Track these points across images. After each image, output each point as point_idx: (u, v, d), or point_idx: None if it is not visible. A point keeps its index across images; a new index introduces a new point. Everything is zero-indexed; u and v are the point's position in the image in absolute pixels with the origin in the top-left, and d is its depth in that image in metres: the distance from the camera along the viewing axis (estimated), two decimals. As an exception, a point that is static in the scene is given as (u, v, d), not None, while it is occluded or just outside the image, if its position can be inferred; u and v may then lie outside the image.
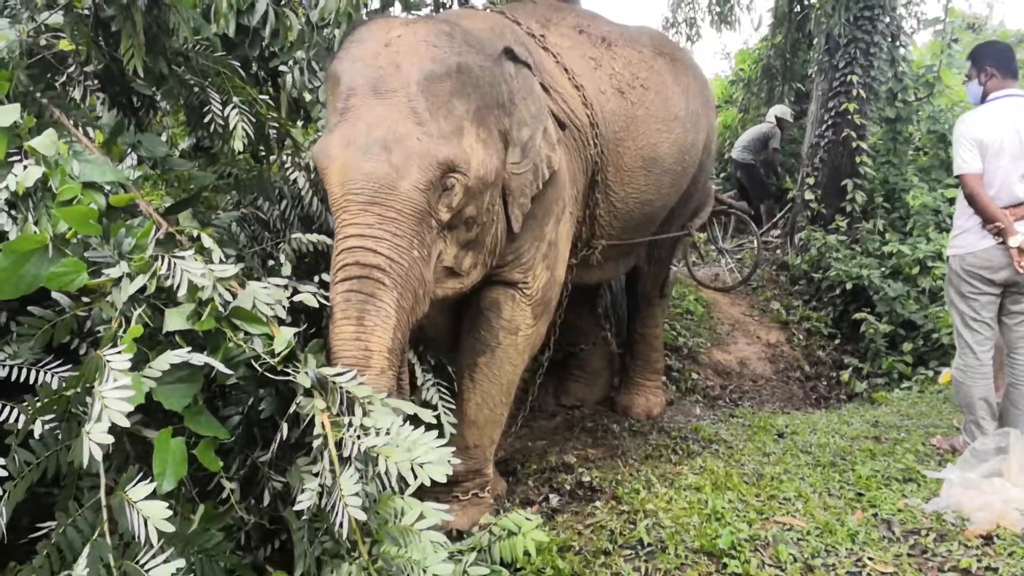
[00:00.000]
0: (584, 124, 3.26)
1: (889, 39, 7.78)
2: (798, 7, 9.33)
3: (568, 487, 3.37)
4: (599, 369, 4.99)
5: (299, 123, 3.55)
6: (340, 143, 2.40)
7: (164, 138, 3.71)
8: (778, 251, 8.51)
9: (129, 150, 3.11)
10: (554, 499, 3.27)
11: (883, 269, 6.80)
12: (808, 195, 7.91)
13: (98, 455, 1.73)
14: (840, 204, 7.74)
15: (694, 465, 3.54)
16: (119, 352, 1.90)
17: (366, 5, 3.30)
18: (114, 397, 1.80)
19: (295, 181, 3.23)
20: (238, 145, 2.78)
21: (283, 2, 3.03)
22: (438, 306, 3.44)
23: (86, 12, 2.62)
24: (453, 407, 2.93)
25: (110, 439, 1.74)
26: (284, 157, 3.33)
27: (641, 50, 3.76)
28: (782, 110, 9.28)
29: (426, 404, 2.87)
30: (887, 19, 7.65)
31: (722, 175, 10.35)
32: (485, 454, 3.13)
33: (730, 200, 7.98)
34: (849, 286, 6.79)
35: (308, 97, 3.55)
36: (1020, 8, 24.59)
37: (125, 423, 1.78)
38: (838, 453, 3.72)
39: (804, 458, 3.66)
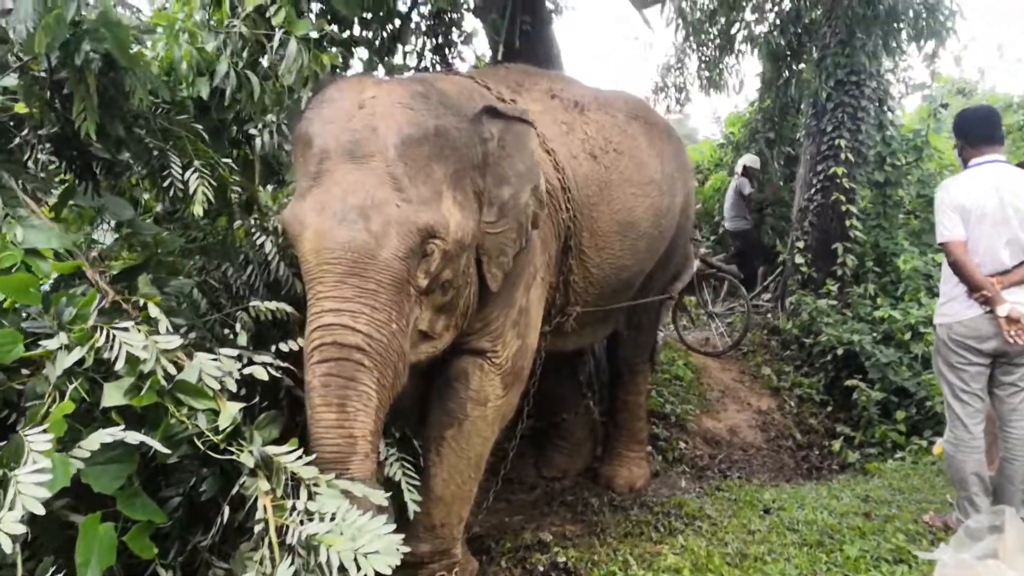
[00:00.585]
0: (555, 188, 3.19)
1: (876, 103, 7.81)
2: (786, 72, 9.41)
3: (542, 568, 3.21)
4: (581, 439, 4.84)
5: (269, 187, 3.47)
6: (314, 209, 2.31)
7: (141, 202, 3.63)
8: (769, 315, 8.41)
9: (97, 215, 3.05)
10: (525, 581, 3.10)
11: (875, 334, 6.68)
12: (798, 259, 7.84)
13: (8, 547, 1.59)
14: (831, 268, 7.66)
15: (675, 544, 3.38)
16: (42, 431, 1.78)
17: (337, 67, 3.26)
18: (30, 482, 1.68)
19: (262, 246, 3.14)
20: (198, 210, 2.69)
21: (243, 66, 2.96)
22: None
23: (42, 74, 2.56)
24: (419, 484, 2.79)
25: (22, 528, 1.61)
26: (252, 221, 3.26)
27: (615, 114, 3.72)
28: (750, 159, 9.39)
29: (389, 481, 2.75)
30: (874, 84, 7.68)
31: (712, 238, 10.31)
32: (453, 533, 2.98)
33: (720, 263, 7.92)
34: (840, 351, 6.66)
35: (284, 159, 3.50)
36: (1013, 72, 24.93)
37: (39, 510, 1.65)
38: (826, 531, 3.56)
39: (790, 536, 3.49)
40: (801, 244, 7.90)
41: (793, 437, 6.12)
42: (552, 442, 4.79)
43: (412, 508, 2.70)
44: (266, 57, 2.91)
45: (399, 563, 1.89)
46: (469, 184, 2.59)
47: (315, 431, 2.20)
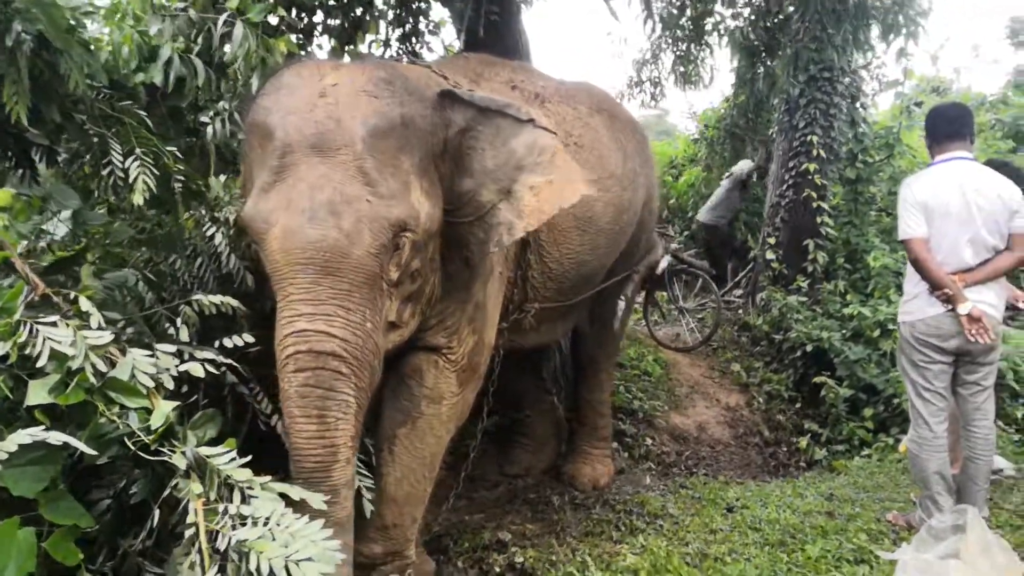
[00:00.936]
0: None
1: (849, 100, 7.79)
2: (761, 68, 9.38)
3: (498, 569, 3.14)
4: (545, 436, 4.77)
5: (221, 177, 3.36)
6: (279, 206, 2.21)
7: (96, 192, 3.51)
8: (740, 311, 8.39)
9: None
10: (480, 583, 3.03)
11: (844, 331, 6.66)
12: (770, 254, 7.82)
13: (-91, 555, 1.49)
14: (802, 264, 7.64)
15: (635, 544, 3.33)
16: (-52, 433, 1.68)
17: (295, 55, 3.15)
18: (-65, 486, 1.59)
19: (211, 237, 3.04)
20: (138, 199, 2.58)
21: (198, 52, 2.86)
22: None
23: (-27, 57, 2.44)
24: (371, 482, 2.71)
25: (-76, 536, 1.51)
26: (201, 212, 3.15)
27: (577, 107, 3.65)
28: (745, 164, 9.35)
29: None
30: (846, 80, 7.66)
31: (685, 233, 10.28)
32: (406, 534, 2.90)
33: (691, 259, 7.86)
34: (810, 348, 6.64)
35: (237, 148, 3.40)
36: (988, 72, 25.14)
37: (-55, 516, 1.56)
38: (788, 530, 3.52)
39: (752, 536, 3.45)
40: (772, 240, 7.88)
41: (761, 434, 6.10)
42: (515, 439, 4.73)
43: (368, 508, 2.63)
44: (213, 40, 2.79)
45: (332, 571, 1.82)
46: (433, 172, 2.53)
47: (296, 442, 2.17)
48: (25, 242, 3.23)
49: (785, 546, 3.35)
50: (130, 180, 2.60)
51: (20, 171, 2.72)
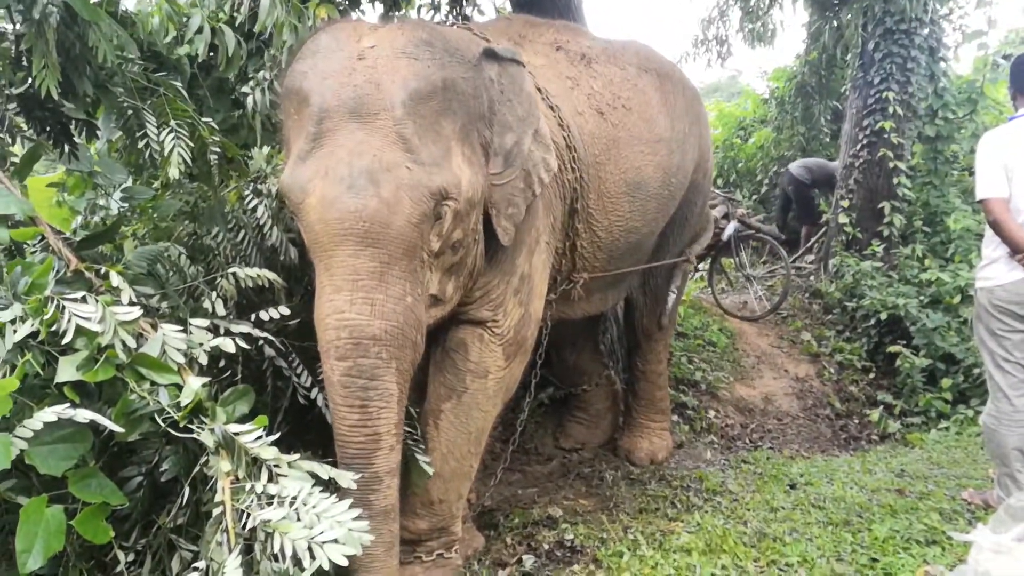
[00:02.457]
0: (560, 147, 2.98)
1: (927, 53, 7.35)
2: (835, 22, 8.93)
3: (547, 546, 3.06)
4: (602, 411, 4.65)
5: (264, 149, 3.32)
6: (316, 174, 2.14)
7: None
8: (811, 278, 8.07)
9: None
10: (528, 561, 2.95)
11: (921, 298, 6.34)
12: (842, 218, 7.49)
13: (-71, 535, 1.48)
14: (877, 228, 7.32)
15: (690, 522, 3.20)
16: (-25, 410, 1.67)
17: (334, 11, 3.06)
18: (-40, 464, 1.58)
19: (254, 210, 3.01)
20: (173, 172, 2.54)
21: (221, 17, 2.80)
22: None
23: (7, 29, 2.44)
24: (423, 449, 2.66)
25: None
26: (244, 184, 3.13)
27: (625, 67, 3.48)
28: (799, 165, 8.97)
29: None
30: (925, 32, 7.24)
31: (753, 197, 9.94)
32: (451, 510, 2.84)
33: (759, 224, 7.59)
34: (884, 316, 6.33)
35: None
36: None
37: (-35, 494, 1.54)
38: (854, 509, 3.34)
39: (815, 514, 3.28)
40: (845, 203, 7.53)
41: (832, 405, 5.85)
42: (571, 413, 4.63)
43: (428, 469, 2.61)
44: (241, 10, 2.72)
45: (357, 552, 1.76)
46: (476, 137, 2.43)
47: (339, 428, 2.17)
48: (80, 218, 3.27)
49: (850, 526, 3.17)
50: (165, 152, 2.57)
51: (59, 147, 2.69)
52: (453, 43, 2.40)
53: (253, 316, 2.45)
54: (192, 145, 2.62)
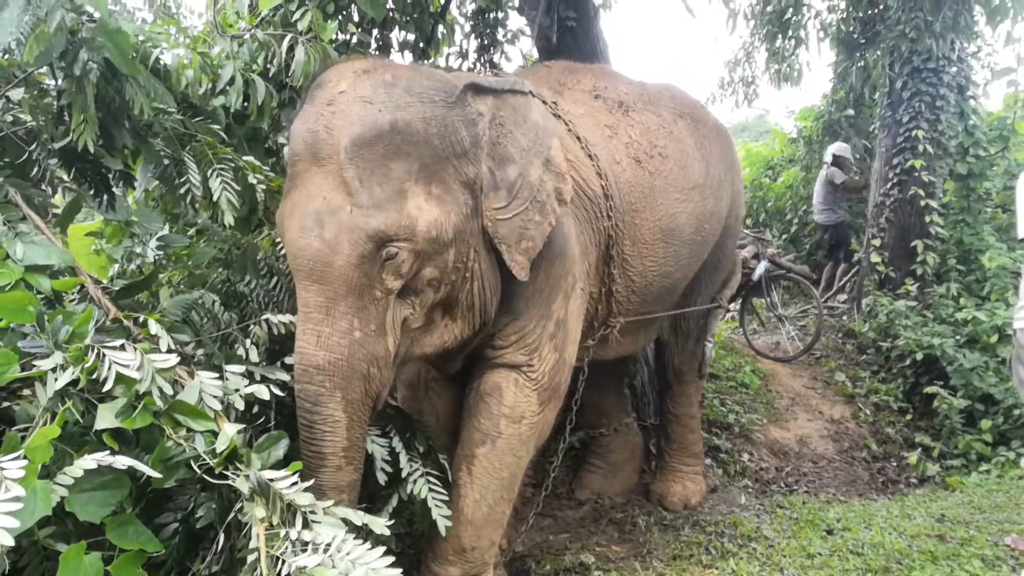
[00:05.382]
0: (597, 195, 3.02)
1: (956, 91, 7.34)
2: (861, 62, 8.95)
3: (579, 593, 3.01)
4: (619, 462, 4.51)
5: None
6: (287, 214, 2.31)
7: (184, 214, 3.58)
8: (844, 318, 7.97)
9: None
10: (561, 608, 2.91)
11: (958, 338, 6.25)
12: (875, 257, 7.44)
13: (-28, 582, 1.50)
14: (910, 267, 7.26)
15: (725, 569, 3.15)
16: (13, 458, 1.69)
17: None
18: (1, 512, 1.59)
19: (285, 256, 3.06)
20: (228, 219, 2.61)
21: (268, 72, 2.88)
22: (437, 390, 3.21)
23: (49, 85, 2.52)
24: (447, 499, 2.64)
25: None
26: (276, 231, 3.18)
27: (660, 113, 3.54)
28: (839, 147, 8.77)
29: (412, 499, 2.61)
30: (953, 70, 7.23)
31: (784, 236, 9.89)
32: (484, 557, 2.82)
33: (789, 263, 7.53)
34: (920, 356, 6.24)
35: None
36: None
37: (8, 542, 1.55)
38: (894, 556, 3.26)
39: (853, 561, 3.21)
40: (877, 242, 7.49)
41: (868, 448, 5.74)
42: (588, 461, 4.53)
43: (442, 525, 2.56)
44: (274, 61, 2.80)
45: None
46: (451, 174, 2.41)
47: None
48: (116, 266, 3.34)
49: (890, 573, 3.09)
50: (214, 198, 2.62)
51: (99, 197, 2.76)
52: (421, 84, 2.40)
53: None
54: (239, 188, 2.68)
